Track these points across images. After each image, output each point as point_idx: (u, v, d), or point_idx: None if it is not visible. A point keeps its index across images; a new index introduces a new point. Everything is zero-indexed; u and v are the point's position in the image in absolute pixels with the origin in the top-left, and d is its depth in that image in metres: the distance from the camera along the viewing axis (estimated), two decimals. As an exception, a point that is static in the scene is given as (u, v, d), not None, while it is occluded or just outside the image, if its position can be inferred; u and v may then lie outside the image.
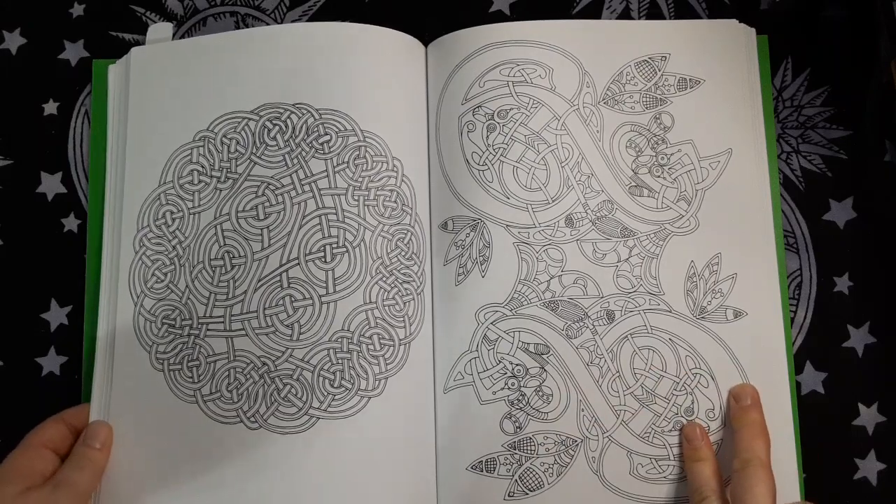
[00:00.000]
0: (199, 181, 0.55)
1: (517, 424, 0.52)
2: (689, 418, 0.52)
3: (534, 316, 0.53)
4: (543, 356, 0.53)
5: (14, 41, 0.60)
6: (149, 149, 0.56)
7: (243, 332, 0.53)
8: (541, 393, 0.52)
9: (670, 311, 0.54)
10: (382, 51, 0.56)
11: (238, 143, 0.55)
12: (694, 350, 0.53)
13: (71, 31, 0.60)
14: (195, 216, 0.55)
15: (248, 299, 0.53)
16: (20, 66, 0.60)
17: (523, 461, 0.52)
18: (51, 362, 0.56)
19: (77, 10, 0.60)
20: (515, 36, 0.56)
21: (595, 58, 0.56)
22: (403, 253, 0.54)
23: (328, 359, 0.52)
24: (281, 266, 0.53)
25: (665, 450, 0.52)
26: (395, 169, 0.54)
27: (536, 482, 0.52)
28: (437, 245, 0.55)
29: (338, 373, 0.52)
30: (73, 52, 0.60)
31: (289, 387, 0.52)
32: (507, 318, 0.53)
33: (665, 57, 0.56)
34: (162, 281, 0.54)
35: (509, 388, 0.53)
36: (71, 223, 0.57)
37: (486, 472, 0.52)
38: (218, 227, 0.54)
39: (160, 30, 0.59)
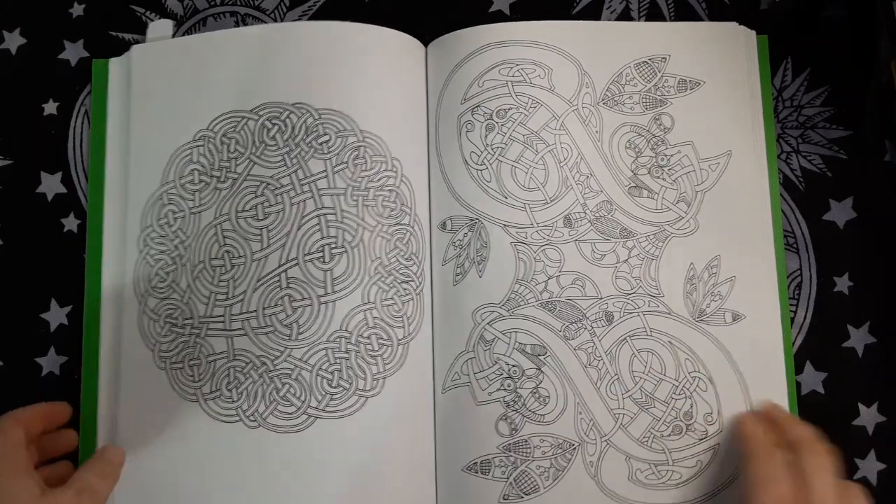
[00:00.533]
0: (200, 181, 0.55)
1: (513, 426, 0.52)
2: (688, 423, 0.52)
3: (531, 316, 0.53)
4: (540, 357, 0.52)
5: (14, 41, 0.60)
6: (151, 148, 0.56)
7: (243, 332, 0.53)
8: (537, 395, 0.52)
9: (670, 314, 0.53)
10: (382, 51, 0.55)
11: (237, 142, 0.55)
12: (693, 353, 0.53)
13: (71, 31, 0.60)
14: (196, 216, 0.55)
15: (248, 299, 0.53)
16: (20, 66, 0.59)
17: (518, 464, 0.52)
18: (51, 362, 0.56)
19: (77, 10, 0.60)
20: (515, 36, 0.55)
21: (594, 58, 0.56)
22: (402, 253, 0.53)
23: (326, 358, 0.52)
24: (280, 266, 0.53)
25: (664, 455, 0.52)
26: (395, 169, 0.54)
27: (532, 486, 0.51)
28: (437, 245, 0.54)
29: (336, 372, 0.52)
30: (73, 52, 0.59)
31: (287, 386, 0.52)
32: (504, 319, 0.53)
33: (665, 58, 0.56)
34: (164, 280, 0.54)
35: (505, 390, 0.52)
36: (71, 223, 0.57)
37: (482, 473, 0.52)
38: (218, 226, 0.54)
39: (160, 27, 0.59)
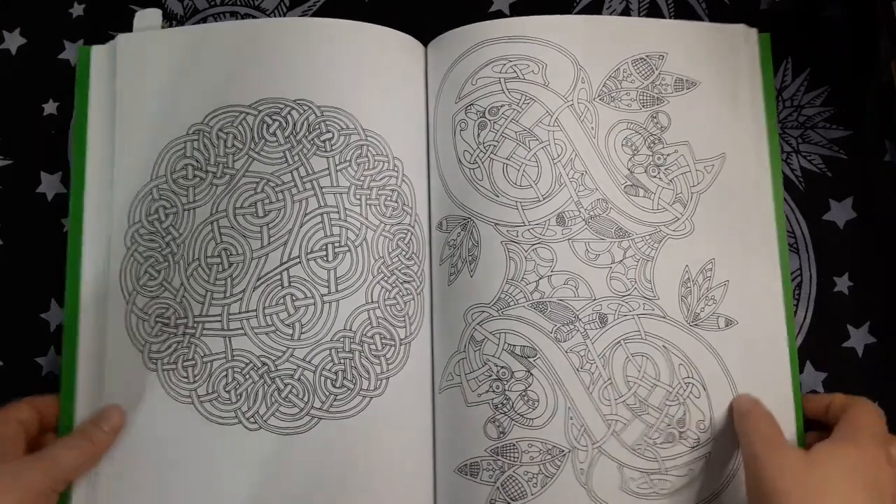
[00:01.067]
0: (194, 176, 0.53)
1: (501, 429, 0.50)
2: (681, 430, 0.50)
3: (521, 317, 0.51)
4: (530, 359, 0.51)
5: (14, 41, 0.59)
6: (139, 142, 0.54)
7: (242, 332, 0.51)
8: (526, 398, 0.50)
9: (664, 317, 0.52)
10: (383, 50, 0.54)
11: (235, 137, 0.53)
12: (687, 358, 0.51)
13: (71, 31, 0.59)
14: (190, 212, 0.53)
15: (247, 298, 0.51)
16: (20, 66, 0.59)
17: (506, 468, 0.50)
18: (51, 362, 0.55)
19: (77, 10, 0.60)
20: (509, 32, 0.54)
21: (591, 53, 0.54)
22: (404, 253, 0.52)
23: (330, 358, 0.51)
24: (282, 264, 0.51)
25: (657, 463, 0.50)
26: (396, 169, 0.53)
27: (519, 491, 0.50)
28: (435, 245, 0.53)
29: (339, 373, 0.51)
30: (73, 52, 0.59)
31: (290, 387, 0.51)
32: (494, 319, 0.51)
33: (662, 56, 0.54)
34: (155, 278, 0.52)
35: (494, 392, 0.51)
36: (71, 223, 0.58)
37: (470, 476, 0.50)
38: (214, 223, 0.52)
39: (149, 17, 0.57)
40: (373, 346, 0.51)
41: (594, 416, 0.50)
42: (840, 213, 0.56)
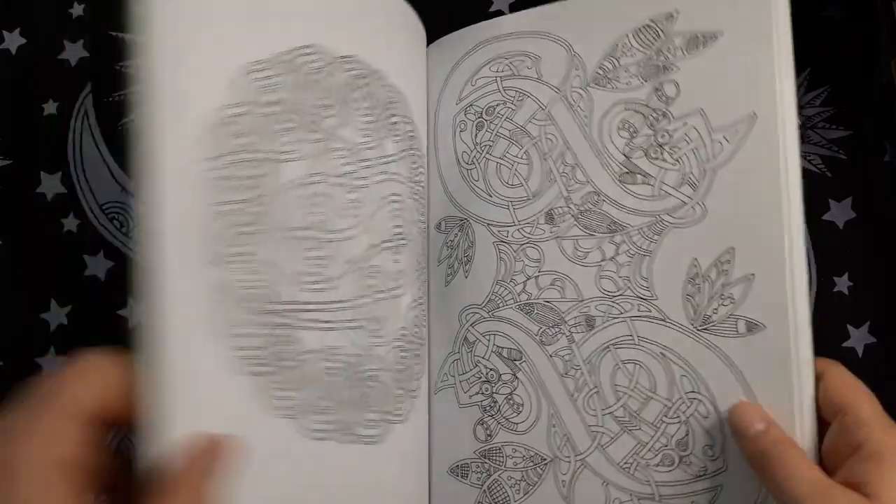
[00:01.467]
0: (285, 118, 0.40)
1: (488, 432, 0.49)
2: (683, 454, 0.44)
3: (509, 319, 0.49)
4: (515, 362, 0.49)
5: (14, 41, 0.59)
6: (204, 49, 0.37)
7: (333, 325, 0.42)
8: (511, 401, 0.49)
9: (664, 320, 0.46)
10: (415, 38, 0.53)
11: (324, 89, 0.42)
12: (692, 369, 0.45)
13: (71, 31, 0.59)
14: (275, 164, 0.39)
15: (340, 285, 0.42)
16: (20, 66, 0.59)
17: (492, 472, 0.49)
18: (51, 362, 0.55)
19: (77, 10, 0.59)
20: (506, 29, 0.52)
21: (586, 34, 0.49)
22: (424, 253, 0.52)
23: (396, 358, 0.46)
24: (366, 250, 0.44)
25: (649, 487, 0.45)
26: (425, 167, 0.52)
27: (503, 496, 0.48)
28: (433, 246, 0.53)
29: (401, 371, 0.47)
30: (73, 52, 0.58)
31: (373, 389, 0.44)
32: (485, 321, 0.50)
33: (671, 15, 0.47)
34: (242, 245, 0.37)
35: (482, 394, 0.50)
36: (71, 223, 0.57)
37: (461, 477, 0.49)
38: (308, 187, 0.41)
39: None
40: (416, 346, 0.49)
41: (578, 426, 0.47)
42: (840, 213, 0.56)
